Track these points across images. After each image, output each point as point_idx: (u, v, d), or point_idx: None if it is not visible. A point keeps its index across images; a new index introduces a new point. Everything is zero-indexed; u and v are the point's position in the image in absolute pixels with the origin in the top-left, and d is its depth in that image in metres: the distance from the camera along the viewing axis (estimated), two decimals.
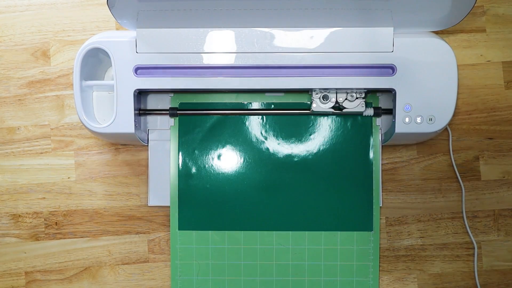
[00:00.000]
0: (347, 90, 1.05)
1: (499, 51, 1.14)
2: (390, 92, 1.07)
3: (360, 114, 1.09)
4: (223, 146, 1.11)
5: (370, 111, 1.09)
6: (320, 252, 1.10)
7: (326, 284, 1.10)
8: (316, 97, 1.06)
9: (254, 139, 1.12)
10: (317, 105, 1.06)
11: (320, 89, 1.04)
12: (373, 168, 1.10)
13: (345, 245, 1.10)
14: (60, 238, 1.14)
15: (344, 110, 1.07)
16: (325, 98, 1.05)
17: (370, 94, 1.10)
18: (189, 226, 1.11)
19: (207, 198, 1.11)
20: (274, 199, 1.10)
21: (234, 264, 1.11)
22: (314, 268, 1.10)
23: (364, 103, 1.06)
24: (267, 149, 1.11)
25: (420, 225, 1.13)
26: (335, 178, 1.10)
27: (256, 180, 1.11)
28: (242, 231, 1.11)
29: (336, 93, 1.05)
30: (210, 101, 1.12)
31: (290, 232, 1.11)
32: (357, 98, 1.06)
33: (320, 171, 1.11)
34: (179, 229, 1.11)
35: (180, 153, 1.11)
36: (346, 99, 1.06)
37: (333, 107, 1.06)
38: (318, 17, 0.99)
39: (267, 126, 1.11)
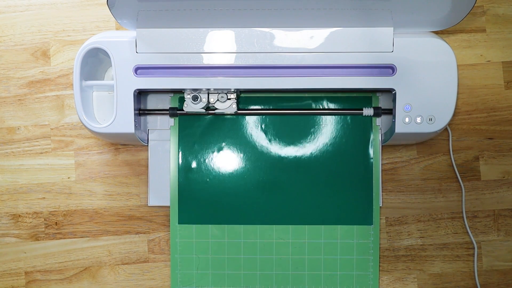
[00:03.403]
0: (218, 91, 1.05)
1: (499, 51, 1.14)
2: (390, 92, 1.07)
3: (360, 114, 1.09)
4: (223, 145, 1.11)
5: (370, 111, 1.09)
6: (320, 246, 1.10)
7: (326, 278, 1.10)
8: (187, 97, 1.06)
9: (254, 139, 1.12)
10: (188, 105, 1.06)
11: (190, 89, 1.04)
12: (373, 168, 1.10)
13: (345, 239, 1.10)
14: (60, 238, 1.14)
15: (218, 110, 1.07)
16: (195, 98, 1.05)
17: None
18: (189, 220, 1.11)
19: (207, 193, 1.11)
20: (274, 194, 1.10)
21: (234, 258, 1.11)
22: (314, 262, 1.10)
23: (235, 103, 1.07)
24: (267, 150, 1.11)
25: (420, 225, 1.13)
26: (335, 176, 1.10)
27: (256, 177, 1.11)
28: (242, 225, 1.11)
29: (208, 93, 1.06)
30: None
31: (290, 226, 1.11)
32: (228, 98, 1.06)
33: (320, 171, 1.11)
34: (179, 223, 1.11)
35: (180, 153, 1.11)
36: (217, 99, 1.06)
37: (204, 107, 1.06)
38: (318, 17, 0.99)
39: (267, 126, 1.11)
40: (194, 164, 1.11)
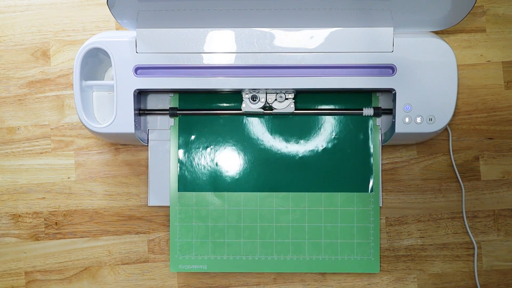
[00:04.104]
0: (276, 91, 1.05)
1: (499, 51, 1.14)
2: (390, 92, 1.07)
3: (360, 114, 1.09)
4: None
5: (370, 111, 1.09)
6: (320, 213, 1.10)
7: (327, 246, 1.10)
8: (245, 97, 1.06)
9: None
10: (247, 105, 1.06)
11: (249, 89, 1.04)
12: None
13: (345, 206, 1.10)
14: (60, 238, 1.14)
15: (274, 111, 1.07)
16: (254, 98, 1.05)
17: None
18: (189, 188, 1.11)
19: (207, 161, 1.10)
20: (274, 163, 1.10)
21: (233, 226, 1.10)
22: (314, 229, 1.10)
23: (293, 103, 1.06)
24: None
25: (420, 225, 1.13)
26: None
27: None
28: (242, 193, 1.10)
29: (266, 93, 1.06)
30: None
31: (290, 193, 1.10)
32: (286, 98, 1.06)
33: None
34: (178, 190, 1.11)
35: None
36: (275, 99, 1.06)
37: (263, 107, 1.07)
38: (318, 17, 0.99)
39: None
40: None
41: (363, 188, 1.10)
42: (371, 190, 1.10)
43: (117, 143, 1.14)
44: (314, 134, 1.11)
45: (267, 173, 1.11)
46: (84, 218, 1.14)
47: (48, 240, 1.14)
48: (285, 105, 1.07)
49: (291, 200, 1.10)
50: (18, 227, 1.14)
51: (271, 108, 1.08)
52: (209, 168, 1.11)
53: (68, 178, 1.14)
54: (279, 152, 1.11)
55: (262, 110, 1.07)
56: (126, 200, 1.14)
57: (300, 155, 1.11)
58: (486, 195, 1.13)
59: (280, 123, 1.11)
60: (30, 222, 1.14)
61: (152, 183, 1.12)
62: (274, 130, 1.11)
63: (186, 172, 1.11)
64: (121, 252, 1.14)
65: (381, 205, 1.12)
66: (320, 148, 1.11)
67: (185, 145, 1.11)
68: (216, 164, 1.11)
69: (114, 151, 1.15)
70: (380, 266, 1.12)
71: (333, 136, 1.11)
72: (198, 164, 1.11)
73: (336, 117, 1.11)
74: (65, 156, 1.15)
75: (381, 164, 1.12)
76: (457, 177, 1.13)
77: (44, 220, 1.14)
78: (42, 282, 1.14)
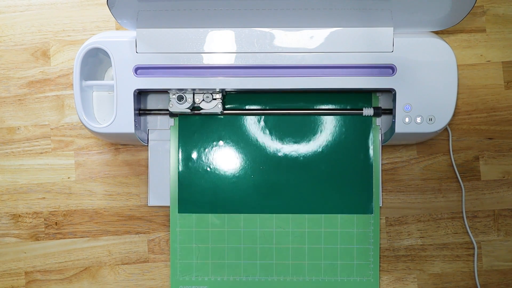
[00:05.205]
0: (203, 91, 1.05)
1: (499, 51, 1.14)
2: (390, 92, 1.07)
3: (360, 114, 1.09)
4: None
5: (370, 111, 1.09)
6: (320, 235, 1.10)
7: (327, 267, 1.10)
8: (172, 97, 1.06)
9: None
10: (174, 105, 1.06)
11: (176, 89, 1.04)
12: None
13: (345, 228, 1.10)
14: (60, 238, 1.14)
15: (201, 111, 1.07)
16: (181, 98, 1.05)
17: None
18: (189, 209, 1.11)
19: (207, 182, 1.11)
20: (274, 183, 1.10)
21: (233, 247, 1.11)
22: (314, 251, 1.10)
23: (221, 103, 1.07)
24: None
25: (420, 225, 1.13)
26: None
27: (257, 170, 1.11)
28: (242, 214, 1.11)
29: (194, 93, 1.06)
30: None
31: (290, 215, 1.11)
32: (214, 99, 1.06)
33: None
34: (179, 212, 1.11)
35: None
36: (202, 100, 1.06)
37: (190, 108, 1.06)
38: (318, 17, 0.99)
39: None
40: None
41: (363, 210, 1.10)
42: (371, 212, 1.10)
43: (117, 143, 1.14)
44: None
45: (267, 194, 1.11)
46: (84, 218, 1.14)
47: (48, 240, 1.14)
48: (213, 105, 1.07)
49: (291, 221, 1.11)
50: (18, 227, 1.14)
51: (199, 108, 1.08)
52: (208, 189, 1.11)
53: (68, 178, 1.14)
54: (279, 171, 1.11)
55: (189, 110, 1.07)
56: (126, 200, 1.14)
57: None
58: (486, 195, 1.13)
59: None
60: (30, 222, 1.14)
61: (152, 183, 1.12)
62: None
63: (185, 192, 1.11)
64: (121, 252, 1.14)
65: (381, 205, 1.12)
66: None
67: (185, 160, 1.11)
68: (215, 187, 1.11)
69: (114, 151, 1.15)
70: (380, 263, 1.12)
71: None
72: (197, 184, 1.11)
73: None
74: (65, 156, 1.15)
75: (381, 164, 1.12)
76: (457, 177, 1.13)
77: (44, 220, 1.14)
78: (42, 282, 1.14)
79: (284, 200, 1.11)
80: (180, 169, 1.11)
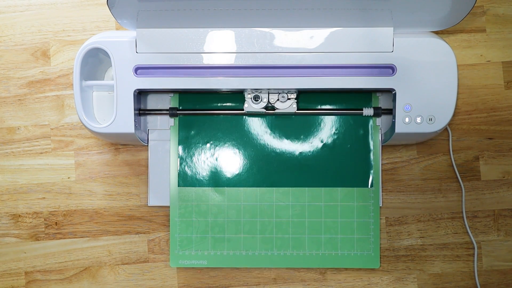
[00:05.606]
0: (279, 91, 1.05)
1: (499, 51, 1.14)
2: (390, 92, 1.07)
3: (360, 114, 1.10)
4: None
5: (370, 111, 1.09)
6: (320, 208, 1.10)
7: (327, 241, 1.10)
8: (248, 97, 1.06)
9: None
10: (249, 105, 1.06)
11: (252, 89, 1.04)
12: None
13: (345, 202, 1.10)
14: (60, 238, 1.14)
15: (276, 111, 1.07)
16: (257, 98, 1.05)
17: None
18: (189, 183, 1.11)
19: (207, 156, 1.10)
20: (274, 158, 1.10)
21: (233, 221, 1.10)
22: (314, 225, 1.10)
23: (296, 103, 1.06)
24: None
25: (420, 225, 1.13)
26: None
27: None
28: (242, 188, 1.10)
29: (268, 93, 1.06)
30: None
31: (290, 188, 1.10)
32: (288, 98, 1.06)
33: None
34: (178, 185, 1.11)
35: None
36: (278, 99, 1.06)
37: (265, 107, 1.06)
38: (318, 17, 0.99)
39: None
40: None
41: (363, 183, 1.10)
42: (371, 185, 1.10)
43: (117, 143, 1.14)
44: (314, 132, 1.11)
45: (267, 168, 1.11)
46: (84, 218, 1.14)
47: (48, 240, 1.14)
48: (287, 105, 1.07)
49: (291, 195, 1.10)
50: (18, 227, 1.14)
51: (273, 108, 1.08)
52: (209, 164, 1.11)
53: (68, 178, 1.14)
54: (279, 148, 1.11)
55: (264, 110, 1.07)
56: (126, 200, 1.14)
57: (300, 152, 1.11)
58: (486, 195, 1.13)
59: (280, 121, 1.11)
60: (30, 222, 1.14)
61: (152, 183, 1.12)
62: (274, 127, 1.11)
63: (186, 168, 1.11)
64: (121, 252, 1.14)
65: (381, 205, 1.12)
66: (320, 145, 1.11)
67: (185, 140, 1.11)
68: (216, 160, 1.11)
69: (114, 151, 1.15)
70: (380, 263, 1.12)
71: (333, 134, 1.11)
72: (198, 160, 1.11)
73: (336, 116, 1.11)
74: (65, 156, 1.15)
75: (381, 164, 1.12)
76: (457, 177, 1.13)
77: (44, 220, 1.14)
78: (42, 282, 1.14)
79: (284, 173, 1.10)
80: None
